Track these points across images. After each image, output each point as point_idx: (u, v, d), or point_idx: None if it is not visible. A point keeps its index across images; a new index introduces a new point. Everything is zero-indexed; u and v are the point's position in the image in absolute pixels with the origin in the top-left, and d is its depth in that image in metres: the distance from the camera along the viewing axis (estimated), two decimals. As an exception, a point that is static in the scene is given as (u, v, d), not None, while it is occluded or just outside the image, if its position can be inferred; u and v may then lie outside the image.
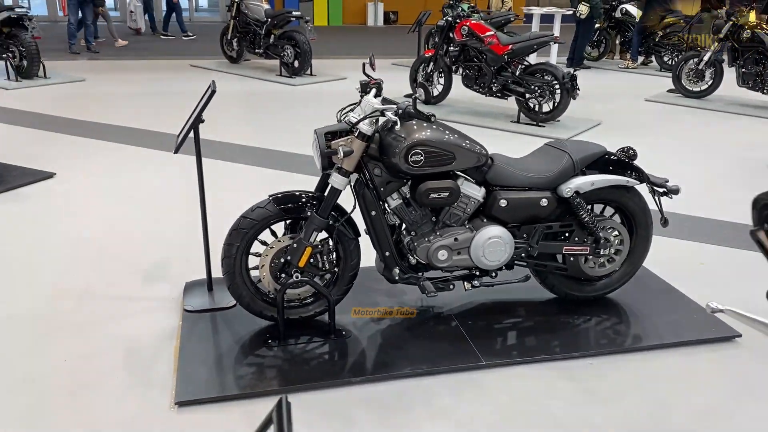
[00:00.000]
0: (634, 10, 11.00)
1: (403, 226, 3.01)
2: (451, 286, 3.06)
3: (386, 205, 2.96)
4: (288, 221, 3.00)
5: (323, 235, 2.98)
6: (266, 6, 9.68)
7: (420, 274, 3.04)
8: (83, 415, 2.50)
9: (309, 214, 2.87)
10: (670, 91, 8.98)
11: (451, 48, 7.44)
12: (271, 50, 9.48)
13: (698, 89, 8.67)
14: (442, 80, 7.78)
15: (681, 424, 2.55)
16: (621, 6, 11.22)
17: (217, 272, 3.15)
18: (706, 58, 8.45)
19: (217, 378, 2.70)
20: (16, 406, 2.55)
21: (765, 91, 8.15)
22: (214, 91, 2.96)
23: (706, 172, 5.72)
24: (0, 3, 9.33)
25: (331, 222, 2.91)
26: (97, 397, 2.60)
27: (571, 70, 6.88)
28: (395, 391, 2.70)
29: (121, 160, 5.60)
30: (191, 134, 3.09)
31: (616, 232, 3.23)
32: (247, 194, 4.27)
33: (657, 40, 10.73)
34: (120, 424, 2.46)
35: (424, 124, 2.86)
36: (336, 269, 3.03)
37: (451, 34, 7.47)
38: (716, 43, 8.36)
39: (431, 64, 7.72)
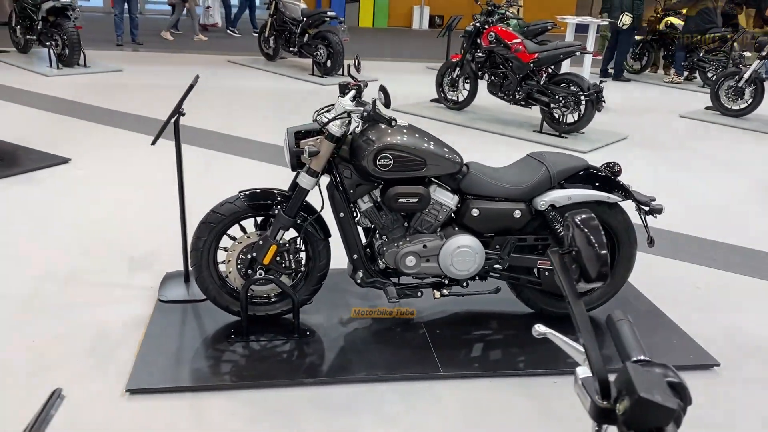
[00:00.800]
0: (678, 23, 10.67)
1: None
2: (419, 294, 3.02)
3: (357, 207, 2.94)
4: (259, 218, 3.02)
5: (294, 234, 2.98)
6: (303, 5, 9.77)
7: (390, 279, 3.02)
8: (33, 396, 2.55)
9: (276, 212, 2.88)
10: (708, 108, 8.68)
11: (478, 54, 7.37)
12: (305, 49, 9.56)
13: (737, 107, 8.35)
14: (467, 86, 7.72)
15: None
16: (666, 18, 10.91)
17: (193, 264, 3.19)
18: (746, 75, 8.14)
19: (172, 369, 2.73)
20: (-23, 381, 2.62)
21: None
22: (192, 86, 2.99)
23: (726, 194, 5.50)
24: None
25: (299, 221, 2.90)
26: (53, 380, 2.65)
27: (598, 81, 6.72)
28: (347, 394, 2.68)
29: (138, 149, 5.72)
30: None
31: (595, 249, 3.13)
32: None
33: (701, 55, 10.39)
34: (67, 407, 2.49)
35: (403, 129, 2.83)
36: (304, 269, 3.03)
37: (478, 40, 7.41)
38: (757, 61, 8.05)
39: (457, 69, 7.67)
